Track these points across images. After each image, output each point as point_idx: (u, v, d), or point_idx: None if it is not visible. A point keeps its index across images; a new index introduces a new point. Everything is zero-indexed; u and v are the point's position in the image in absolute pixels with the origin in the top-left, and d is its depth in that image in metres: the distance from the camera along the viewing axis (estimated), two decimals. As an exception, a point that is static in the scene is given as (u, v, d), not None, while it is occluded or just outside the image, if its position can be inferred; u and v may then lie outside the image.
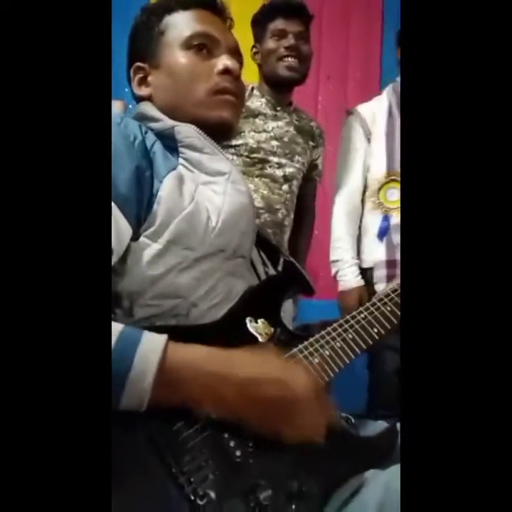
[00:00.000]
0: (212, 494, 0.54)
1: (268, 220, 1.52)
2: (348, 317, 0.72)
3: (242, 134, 1.51)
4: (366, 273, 1.64)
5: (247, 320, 0.68)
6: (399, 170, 1.59)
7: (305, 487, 0.58)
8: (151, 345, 0.54)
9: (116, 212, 0.62)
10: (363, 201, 1.68)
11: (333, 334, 0.70)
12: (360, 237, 1.68)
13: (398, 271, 1.56)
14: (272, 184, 1.54)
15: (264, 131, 1.56)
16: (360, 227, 1.68)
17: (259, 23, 1.59)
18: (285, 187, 1.57)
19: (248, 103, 1.54)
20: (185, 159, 0.74)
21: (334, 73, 2.37)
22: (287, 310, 0.77)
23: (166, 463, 0.54)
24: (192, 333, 0.64)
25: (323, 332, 0.70)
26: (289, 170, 1.58)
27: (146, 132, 0.73)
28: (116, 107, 1.86)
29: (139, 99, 0.83)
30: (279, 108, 1.61)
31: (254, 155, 1.52)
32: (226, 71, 0.78)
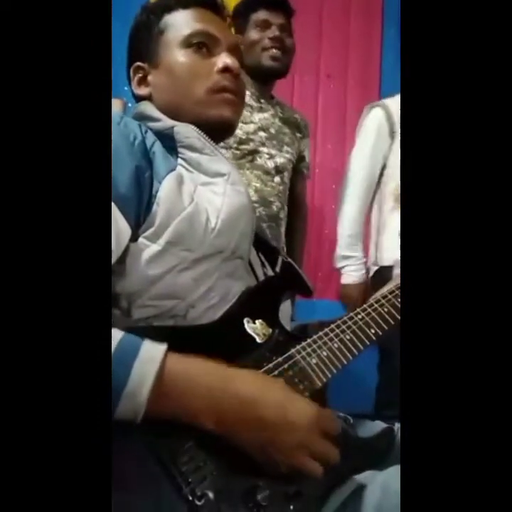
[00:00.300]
0: (211, 494, 0.53)
1: (263, 213, 1.50)
2: (345, 318, 0.72)
3: None
4: (384, 271, 1.57)
5: (245, 321, 0.68)
6: None
7: (303, 488, 0.58)
8: (150, 355, 0.53)
9: (115, 212, 0.62)
10: (373, 198, 1.66)
11: (331, 335, 0.70)
12: (371, 235, 1.66)
13: None
14: (264, 176, 1.53)
15: (252, 122, 1.54)
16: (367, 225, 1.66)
17: (241, 14, 1.56)
18: (277, 179, 1.56)
19: None
20: (184, 160, 0.74)
21: (334, 72, 2.37)
22: (285, 311, 0.77)
23: (163, 463, 0.54)
24: (190, 333, 0.64)
25: (320, 333, 0.70)
26: (279, 160, 1.57)
27: (146, 132, 0.73)
28: (116, 105, 1.85)
29: (139, 98, 0.83)
30: (262, 100, 1.60)
31: (244, 146, 1.50)
32: (226, 69, 0.77)
